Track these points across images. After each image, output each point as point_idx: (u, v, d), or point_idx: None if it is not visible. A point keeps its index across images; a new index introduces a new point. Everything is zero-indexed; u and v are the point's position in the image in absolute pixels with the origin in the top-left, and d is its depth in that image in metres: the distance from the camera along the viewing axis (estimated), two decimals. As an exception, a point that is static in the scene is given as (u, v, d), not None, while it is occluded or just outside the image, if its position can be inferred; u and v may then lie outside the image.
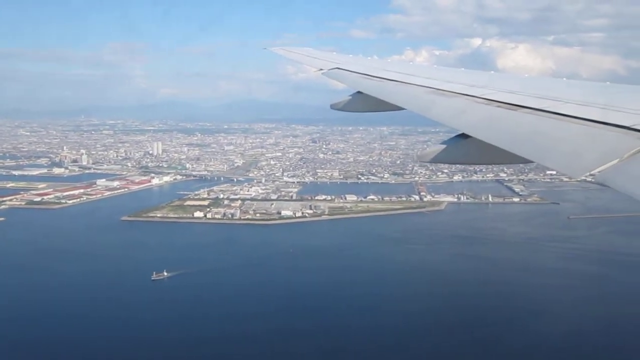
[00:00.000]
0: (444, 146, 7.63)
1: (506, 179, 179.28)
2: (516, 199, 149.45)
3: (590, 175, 4.78)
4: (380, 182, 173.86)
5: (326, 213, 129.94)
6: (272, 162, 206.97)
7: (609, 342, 64.27)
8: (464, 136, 7.31)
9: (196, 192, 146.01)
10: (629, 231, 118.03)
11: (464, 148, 7.37)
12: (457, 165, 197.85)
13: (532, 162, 6.19)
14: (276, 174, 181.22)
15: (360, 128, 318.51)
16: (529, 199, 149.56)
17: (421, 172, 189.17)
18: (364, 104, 11.90)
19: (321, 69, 14.36)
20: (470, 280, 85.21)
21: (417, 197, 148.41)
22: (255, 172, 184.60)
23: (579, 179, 5.15)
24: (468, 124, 7.70)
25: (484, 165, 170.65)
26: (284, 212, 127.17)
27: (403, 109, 9.76)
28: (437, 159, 7.79)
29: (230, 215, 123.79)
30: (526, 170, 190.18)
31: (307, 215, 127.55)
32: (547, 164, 5.96)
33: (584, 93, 8.06)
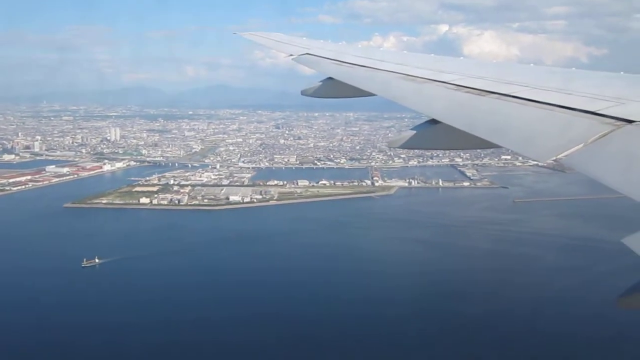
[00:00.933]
0: (413, 132, 7.62)
1: (461, 164, 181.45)
2: (466, 183, 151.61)
3: (557, 159, 4.84)
4: (335, 167, 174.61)
5: (275, 198, 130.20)
6: (230, 148, 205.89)
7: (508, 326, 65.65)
8: (433, 122, 7.32)
9: (147, 178, 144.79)
10: (569, 214, 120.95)
11: (433, 134, 7.38)
12: (415, 151, 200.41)
13: (500, 146, 6.18)
14: (232, 160, 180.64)
15: (327, 114, 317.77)
16: (478, 184, 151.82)
17: (378, 158, 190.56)
18: (334, 90, 11.78)
19: (291, 55, 14.25)
20: (395, 262, 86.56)
21: (369, 182, 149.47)
22: (212, 158, 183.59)
23: (545, 163, 4.96)
24: (438, 110, 7.72)
25: (441, 151, 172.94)
26: (232, 198, 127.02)
27: (374, 95, 9.75)
28: (407, 145, 7.75)
29: (177, 201, 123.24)
30: (482, 155, 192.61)
31: (255, 200, 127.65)
32: (514, 149, 6.05)
33: (551, 79, 8.13)
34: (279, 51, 15.63)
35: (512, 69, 10.45)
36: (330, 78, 11.85)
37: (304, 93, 12.90)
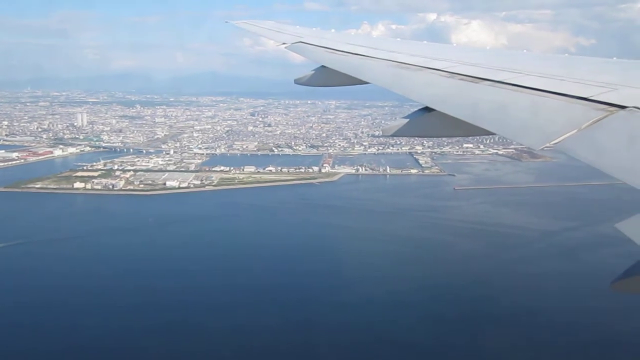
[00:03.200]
0: (407, 120, 7.55)
1: (420, 152, 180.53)
2: (414, 171, 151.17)
3: (551, 145, 4.83)
4: (292, 154, 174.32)
5: (214, 184, 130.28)
6: (195, 135, 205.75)
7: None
8: (427, 109, 7.26)
9: (93, 164, 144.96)
10: (503, 202, 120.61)
11: (427, 121, 7.31)
12: (377, 138, 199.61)
13: (493, 134, 6.22)
14: (190, 146, 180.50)
15: (309, 102, 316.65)
16: (427, 171, 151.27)
17: (340, 145, 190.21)
18: (327, 78, 11.67)
19: (284, 43, 14.18)
20: (301, 246, 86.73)
21: (316, 169, 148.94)
22: (171, 144, 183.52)
23: (539, 149, 5.06)
24: (431, 97, 7.71)
25: (402, 139, 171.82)
26: (169, 183, 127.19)
27: (367, 83, 9.70)
28: (400, 133, 7.68)
29: (111, 186, 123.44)
30: (445, 143, 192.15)
31: (192, 186, 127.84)
32: (508, 136, 6.06)
33: (543, 65, 8.18)
34: (272, 39, 15.52)
35: (505, 56, 10.49)
36: (323, 66, 11.81)
37: (297, 82, 12.93)
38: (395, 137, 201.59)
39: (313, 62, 12.33)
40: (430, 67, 8.69)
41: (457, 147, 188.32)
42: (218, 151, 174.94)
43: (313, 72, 12.25)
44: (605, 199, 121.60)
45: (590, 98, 5.38)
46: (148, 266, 78.28)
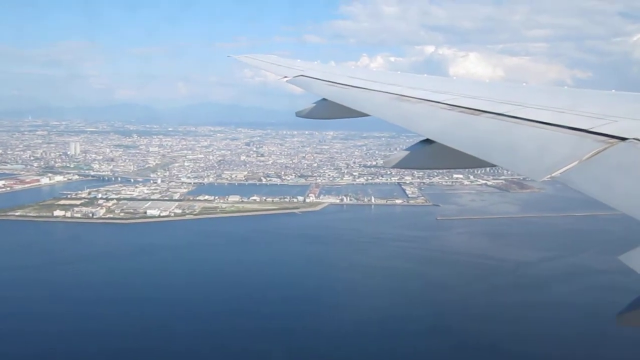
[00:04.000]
0: (407, 152, 7.60)
1: (408, 182, 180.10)
2: (399, 201, 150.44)
3: (552, 177, 4.83)
4: (279, 183, 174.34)
5: (195, 213, 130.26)
6: (186, 164, 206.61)
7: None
8: (428, 142, 7.30)
9: (78, 192, 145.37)
10: (483, 232, 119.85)
11: (428, 153, 7.36)
12: (365, 169, 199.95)
13: (495, 165, 6.25)
14: (179, 175, 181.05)
15: (307, 132, 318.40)
16: (411, 201, 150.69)
17: (328, 175, 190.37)
18: (328, 110, 11.82)
19: (286, 77, 14.46)
20: (266, 275, 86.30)
21: (301, 199, 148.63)
22: (160, 173, 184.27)
23: (541, 180, 5.07)
24: (432, 130, 7.78)
25: (389, 169, 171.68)
26: (149, 212, 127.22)
27: (368, 115, 9.75)
28: (401, 165, 7.70)
29: (91, 214, 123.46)
30: (435, 174, 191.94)
31: (172, 215, 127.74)
32: (510, 168, 6.11)
33: (543, 97, 8.24)
34: (274, 73, 15.84)
35: (505, 88, 10.58)
36: (324, 99, 11.95)
37: (298, 114, 13.09)
38: (385, 168, 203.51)
39: (314, 95, 12.54)
40: (431, 99, 8.76)
41: (447, 178, 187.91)
42: (206, 180, 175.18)
43: (314, 104, 12.44)
44: (586, 230, 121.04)
45: (591, 130, 5.39)
46: (94, 294, 77.40)
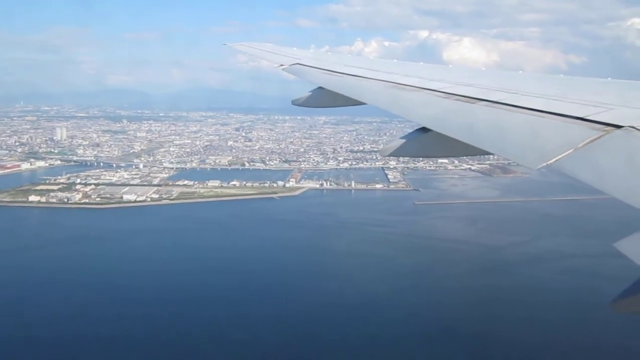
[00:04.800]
0: (404, 140, 7.62)
1: (392, 167, 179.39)
2: (379, 186, 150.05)
3: (547, 165, 4.85)
4: (262, 168, 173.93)
5: (172, 198, 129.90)
6: (171, 149, 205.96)
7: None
8: (424, 130, 7.31)
9: (57, 177, 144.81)
10: (459, 217, 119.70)
11: (424, 141, 7.39)
12: (352, 154, 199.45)
13: (491, 154, 6.31)
14: (162, 160, 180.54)
15: (298, 117, 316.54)
16: (392, 186, 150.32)
17: (313, 160, 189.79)
18: (325, 99, 11.87)
19: (282, 65, 14.40)
20: (234, 260, 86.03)
21: (282, 184, 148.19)
22: (143, 158, 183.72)
23: (537, 169, 5.06)
24: (428, 118, 7.74)
25: (373, 153, 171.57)
26: (126, 197, 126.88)
27: (364, 103, 9.77)
28: (397, 153, 7.75)
29: (66, 200, 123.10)
30: (420, 159, 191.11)
31: (149, 199, 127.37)
32: (505, 155, 6.06)
33: (539, 85, 8.29)
34: (269, 61, 15.76)
35: (500, 76, 10.60)
36: (320, 87, 11.96)
37: (294, 103, 13.08)
38: (372, 153, 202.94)
39: (310, 82, 12.51)
40: (427, 87, 8.77)
41: (431, 163, 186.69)
42: (189, 166, 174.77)
43: (310, 93, 12.45)
44: (563, 215, 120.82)
45: (587, 118, 5.40)
46: (54, 278, 77.32)
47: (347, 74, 11.57)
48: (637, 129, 4.86)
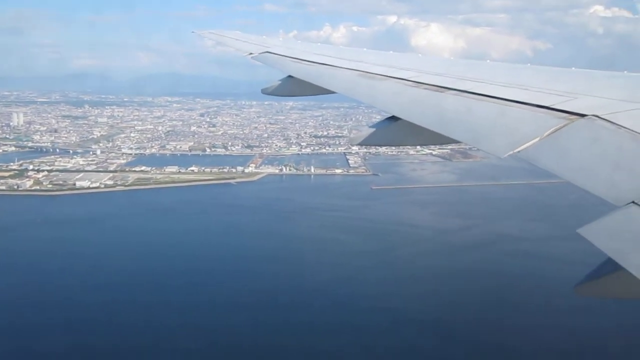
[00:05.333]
0: (373, 129, 7.67)
1: (354, 152, 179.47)
2: (339, 171, 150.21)
3: (514, 153, 4.88)
4: (223, 154, 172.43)
5: (127, 184, 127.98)
6: (132, 135, 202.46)
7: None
8: (393, 119, 7.32)
9: (10, 164, 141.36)
10: (414, 201, 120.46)
11: (393, 130, 7.42)
12: (315, 139, 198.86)
13: (459, 142, 6.32)
14: (121, 146, 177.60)
15: (266, 103, 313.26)
16: (351, 171, 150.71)
17: (276, 145, 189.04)
18: (294, 88, 11.89)
19: (251, 53, 14.34)
20: (178, 245, 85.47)
21: (241, 169, 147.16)
22: (102, 144, 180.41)
23: (504, 157, 5.04)
24: (398, 107, 7.79)
25: (337, 139, 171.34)
26: (79, 183, 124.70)
27: (334, 92, 9.77)
28: (367, 142, 7.80)
29: (16, 186, 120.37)
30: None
31: (102, 186, 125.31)
32: (473, 144, 6.10)
33: (506, 74, 8.37)
34: (238, 49, 15.78)
35: (469, 65, 10.70)
36: (290, 76, 11.94)
37: (264, 92, 13.15)
38: (335, 138, 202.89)
39: (279, 71, 12.55)
40: (396, 76, 8.82)
41: (394, 148, 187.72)
42: (148, 151, 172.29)
43: (280, 82, 12.47)
44: (517, 198, 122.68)
45: (552, 107, 5.51)
46: None
47: (316, 63, 11.63)
48: (600, 117, 4.93)
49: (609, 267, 4.07)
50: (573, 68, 8.04)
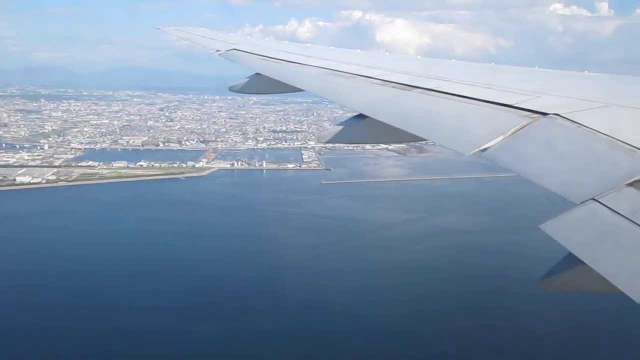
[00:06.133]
0: (341, 127, 7.78)
1: (309, 147, 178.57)
2: (291, 165, 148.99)
3: (479, 151, 4.91)
4: (176, 149, 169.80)
5: (70, 179, 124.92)
6: (85, 129, 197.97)
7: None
8: (361, 117, 7.38)
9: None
10: (362, 195, 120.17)
11: (361, 128, 7.48)
12: (273, 133, 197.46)
13: (425, 140, 6.37)
14: (71, 141, 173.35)
15: (229, 98, 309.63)
16: (303, 166, 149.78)
17: (232, 140, 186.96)
18: (262, 85, 11.85)
19: (218, 51, 14.19)
20: (107, 245, 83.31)
21: (191, 164, 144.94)
22: (51, 139, 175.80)
23: (469, 155, 5.06)
24: (365, 105, 7.79)
25: (295, 134, 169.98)
26: (19, 179, 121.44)
27: (301, 90, 9.76)
28: (334, 140, 7.83)
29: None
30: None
31: (44, 181, 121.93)
32: (439, 142, 6.09)
33: (471, 73, 8.38)
34: (205, 47, 15.53)
35: (436, 64, 10.77)
36: (257, 74, 11.93)
37: (231, 89, 13.11)
38: (293, 133, 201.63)
39: (247, 69, 12.54)
40: (364, 74, 8.80)
41: (353, 146, 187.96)
42: (99, 146, 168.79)
43: (247, 79, 12.49)
44: (465, 192, 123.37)
45: (515, 105, 5.57)
46: None
47: (284, 60, 11.65)
48: (561, 116, 4.99)
49: (569, 262, 4.05)
50: (536, 67, 8.25)
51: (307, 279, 71.02)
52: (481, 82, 7.12)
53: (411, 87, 7.46)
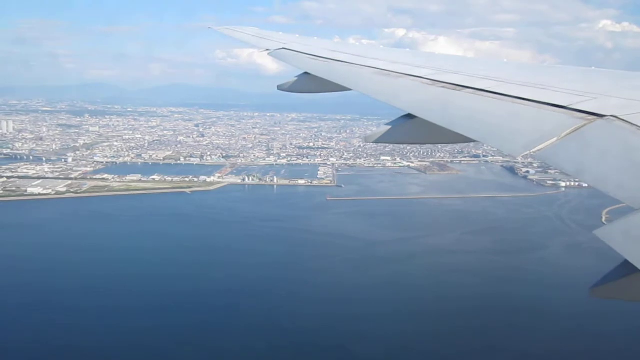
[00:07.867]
0: (389, 127, 7.62)
1: (329, 164, 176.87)
2: (302, 182, 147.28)
3: (530, 153, 4.82)
4: (196, 163, 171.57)
5: (80, 191, 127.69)
6: (115, 144, 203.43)
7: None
8: (409, 116, 7.30)
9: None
10: (365, 212, 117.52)
11: (408, 128, 7.38)
12: (298, 150, 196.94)
13: (475, 141, 6.24)
14: (96, 154, 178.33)
15: (268, 114, 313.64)
16: (316, 182, 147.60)
17: (255, 155, 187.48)
18: (310, 84, 11.78)
19: (267, 49, 14.24)
20: (87, 260, 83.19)
21: (203, 178, 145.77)
22: (78, 153, 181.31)
23: (520, 157, 5.01)
24: (413, 105, 7.73)
25: (321, 150, 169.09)
26: (30, 190, 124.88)
27: (350, 89, 9.72)
28: (382, 140, 7.76)
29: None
30: (365, 155, 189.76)
31: (53, 193, 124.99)
32: (489, 143, 6.06)
33: (523, 74, 8.24)
34: (255, 46, 15.62)
35: (485, 64, 10.56)
36: (306, 73, 11.89)
37: (280, 88, 13.02)
38: (318, 150, 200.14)
39: (295, 68, 12.38)
40: (413, 74, 8.70)
41: (373, 160, 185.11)
42: (122, 160, 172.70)
43: (296, 78, 12.33)
44: (472, 212, 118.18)
45: (570, 107, 5.37)
46: None
47: (333, 60, 11.50)
48: (619, 118, 4.77)
49: (625, 269, 3.89)
50: (593, 67, 7.80)
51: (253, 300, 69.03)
52: (534, 82, 6.89)
53: (461, 87, 7.27)
